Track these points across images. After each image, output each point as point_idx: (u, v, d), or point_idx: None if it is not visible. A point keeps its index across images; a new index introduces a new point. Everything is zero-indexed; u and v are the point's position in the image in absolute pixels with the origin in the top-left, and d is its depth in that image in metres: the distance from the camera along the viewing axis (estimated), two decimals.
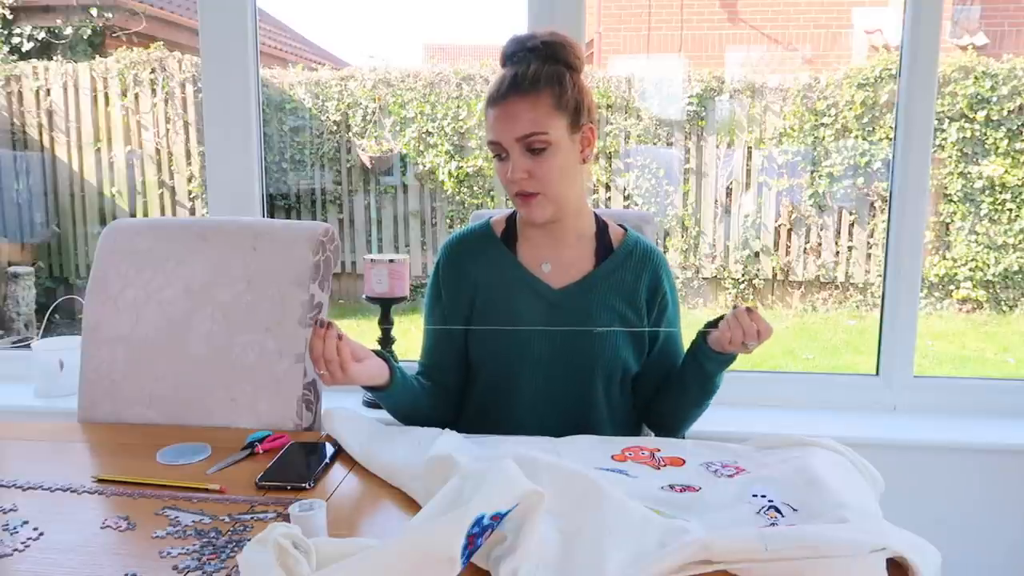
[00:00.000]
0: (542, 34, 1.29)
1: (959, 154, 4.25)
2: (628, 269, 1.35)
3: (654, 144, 4.49)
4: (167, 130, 4.42)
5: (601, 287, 1.33)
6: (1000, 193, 4.25)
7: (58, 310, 3.39)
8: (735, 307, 1.23)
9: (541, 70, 1.25)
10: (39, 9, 4.56)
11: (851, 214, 4.48)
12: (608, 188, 4.56)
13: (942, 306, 4.48)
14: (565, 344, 1.30)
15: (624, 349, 1.33)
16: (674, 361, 1.39)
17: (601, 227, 1.38)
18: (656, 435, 1.44)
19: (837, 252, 4.54)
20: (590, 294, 1.32)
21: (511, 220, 1.40)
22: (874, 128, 4.33)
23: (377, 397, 1.29)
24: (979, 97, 4.16)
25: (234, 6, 2.02)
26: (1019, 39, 4.86)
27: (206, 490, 1.06)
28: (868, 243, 4.50)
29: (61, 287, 4.57)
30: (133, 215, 4.50)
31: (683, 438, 1.40)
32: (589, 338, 1.30)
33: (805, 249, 4.57)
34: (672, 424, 1.41)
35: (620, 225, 1.41)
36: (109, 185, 4.51)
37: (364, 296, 1.98)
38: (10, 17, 4.46)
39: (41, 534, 0.95)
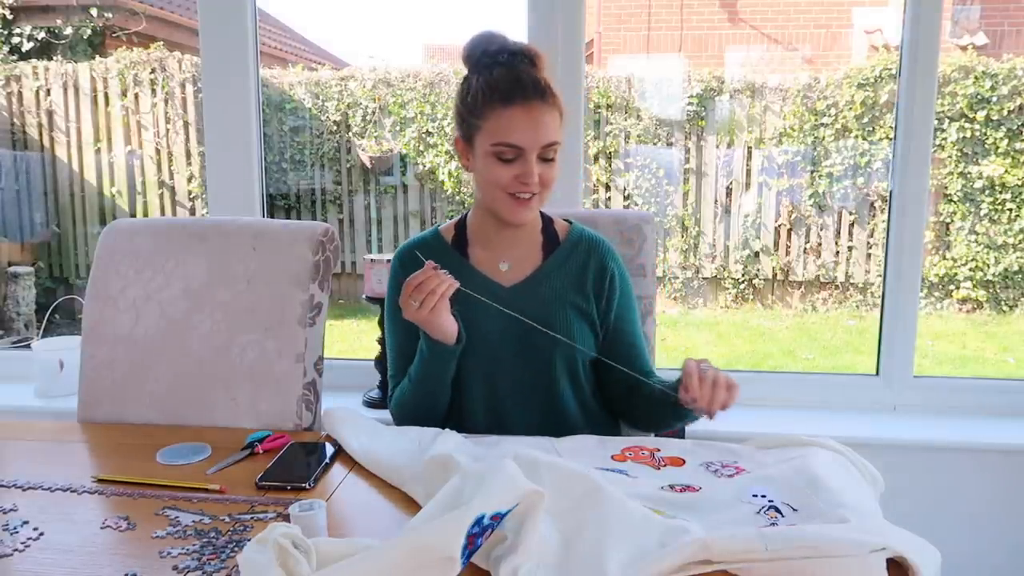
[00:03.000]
0: (520, 43, 1.30)
1: (959, 154, 4.25)
2: (575, 260, 1.38)
3: (654, 144, 4.49)
4: (167, 130, 4.42)
5: (550, 280, 1.35)
6: (1000, 193, 4.25)
7: (58, 310, 3.39)
8: (700, 367, 1.19)
9: (550, 83, 1.28)
10: (39, 9, 4.56)
11: (851, 214, 4.48)
12: (608, 188, 4.56)
13: (942, 306, 4.48)
14: (525, 336, 1.30)
15: (580, 333, 1.34)
16: (630, 341, 1.39)
17: (546, 222, 1.41)
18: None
19: (837, 252, 4.54)
20: (541, 287, 1.35)
21: (460, 228, 1.41)
22: (874, 128, 4.33)
23: (432, 353, 1.28)
24: (979, 97, 4.16)
25: (234, 6, 2.02)
26: (1019, 39, 4.86)
27: (206, 490, 1.06)
28: (868, 243, 4.50)
29: (61, 287, 4.57)
30: (133, 215, 4.50)
31: (682, 437, 1.40)
32: (547, 328, 1.29)
33: (805, 249, 4.57)
34: (648, 432, 1.40)
35: (565, 219, 1.44)
36: (109, 185, 4.51)
37: (364, 296, 1.98)
38: (10, 17, 4.46)
39: (41, 534, 0.95)
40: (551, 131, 1.26)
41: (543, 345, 1.31)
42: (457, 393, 1.34)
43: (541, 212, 1.40)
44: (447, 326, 1.24)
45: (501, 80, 1.26)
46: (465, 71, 1.33)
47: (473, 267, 1.37)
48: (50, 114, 4.41)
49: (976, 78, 4.15)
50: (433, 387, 1.31)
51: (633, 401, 1.37)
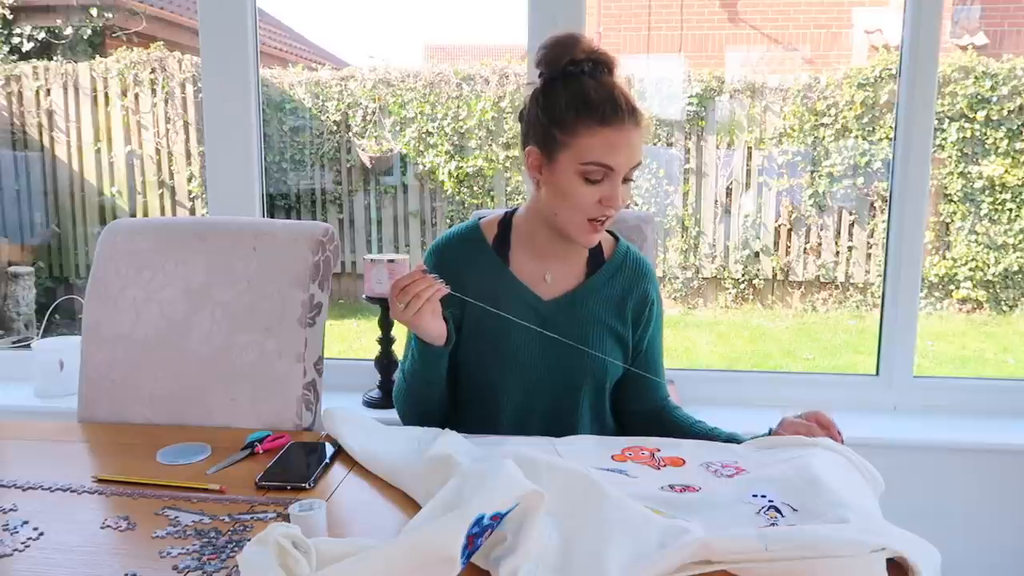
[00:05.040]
0: (598, 48, 1.25)
1: (959, 154, 4.25)
2: (618, 282, 1.35)
3: (654, 144, 4.49)
4: (167, 130, 4.42)
5: (591, 300, 1.33)
6: (1000, 193, 4.25)
7: (58, 310, 3.39)
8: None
9: (636, 101, 1.24)
10: (39, 9, 4.56)
11: (851, 214, 4.48)
12: None
13: (942, 306, 4.48)
14: (556, 354, 1.30)
15: (613, 357, 1.33)
16: (655, 367, 1.39)
17: None
18: None
19: (837, 252, 4.54)
20: (580, 308, 1.32)
21: (504, 225, 1.36)
22: (874, 128, 4.33)
23: (421, 353, 1.27)
24: (979, 97, 4.16)
25: (234, 6, 2.02)
26: (1019, 39, 4.86)
27: (206, 490, 1.06)
28: (868, 243, 4.50)
29: (61, 287, 4.57)
30: (133, 215, 4.50)
31: None
32: (581, 350, 1.30)
33: (805, 249, 4.57)
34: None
35: (610, 232, 1.40)
36: (109, 185, 4.51)
37: (364, 296, 1.98)
38: (10, 17, 4.46)
39: (41, 534, 0.95)
40: (638, 153, 1.23)
41: (576, 366, 1.31)
42: (493, 406, 1.32)
43: None
44: (433, 329, 1.21)
45: (595, 97, 1.20)
46: (537, 73, 1.27)
47: (513, 274, 1.32)
48: (50, 114, 4.41)
49: (976, 78, 4.15)
50: (423, 385, 1.31)
51: (660, 427, 1.35)
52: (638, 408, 1.39)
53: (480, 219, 1.39)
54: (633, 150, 1.22)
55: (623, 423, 1.41)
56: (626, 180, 1.24)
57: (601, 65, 1.24)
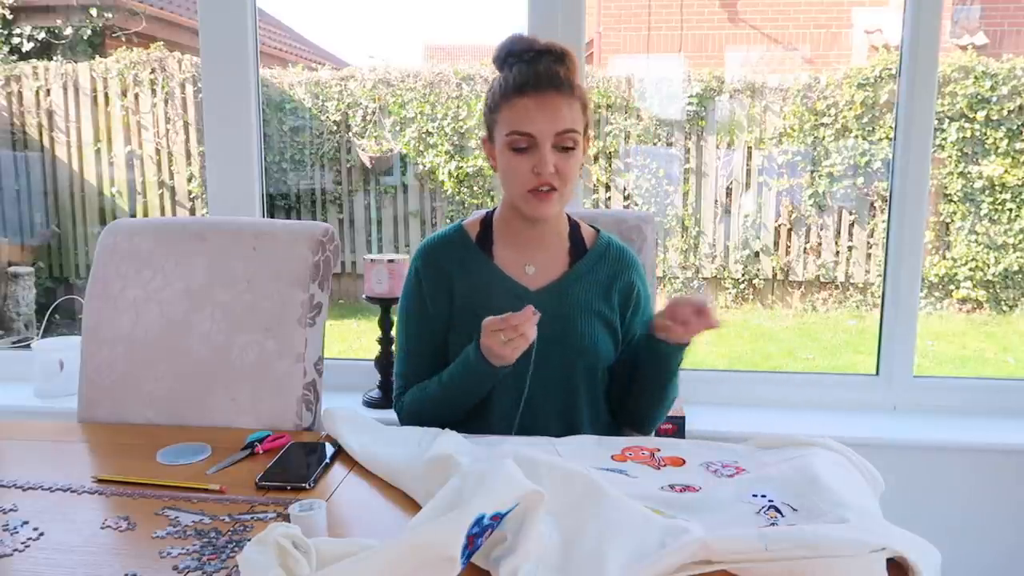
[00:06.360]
0: (548, 42, 1.30)
1: (959, 154, 4.25)
2: (603, 269, 1.38)
3: (654, 144, 4.49)
4: (167, 130, 4.42)
5: (577, 287, 1.35)
6: (1000, 193, 4.25)
7: (58, 310, 3.39)
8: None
9: (571, 76, 1.29)
10: (39, 9, 4.56)
11: (851, 214, 4.48)
12: (608, 188, 4.56)
13: (942, 306, 4.48)
14: (547, 342, 1.30)
15: (603, 342, 1.36)
16: None
17: (573, 227, 1.40)
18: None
19: (837, 252, 4.54)
20: (567, 294, 1.35)
21: (486, 223, 1.40)
22: (874, 128, 4.33)
23: (481, 372, 1.27)
24: (979, 97, 4.16)
25: (234, 6, 2.02)
26: (1019, 39, 4.86)
27: (206, 490, 1.06)
28: (868, 243, 4.50)
29: (61, 287, 4.57)
30: (133, 215, 4.50)
31: (683, 437, 1.41)
32: (571, 335, 1.32)
33: (805, 249, 4.57)
34: (640, 421, 1.42)
35: (591, 225, 1.43)
36: (109, 185, 4.51)
37: (364, 296, 1.98)
38: (10, 17, 4.46)
39: (41, 534, 0.95)
40: (566, 119, 1.25)
41: (567, 352, 1.32)
42: (486, 400, 1.33)
43: (568, 217, 1.41)
44: (510, 358, 1.24)
45: (518, 75, 1.27)
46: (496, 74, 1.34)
47: (498, 268, 1.36)
48: (50, 114, 4.41)
49: (976, 78, 4.15)
50: (462, 398, 1.31)
51: (625, 386, 1.38)
52: (619, 386, 1.40)
53: (463, 222, 1.43)
54: (555, 116, 1.25)
55: (613, 404, 1.42)
56: (565, 149, 1.26)
57: (544, 54, 1.29)
